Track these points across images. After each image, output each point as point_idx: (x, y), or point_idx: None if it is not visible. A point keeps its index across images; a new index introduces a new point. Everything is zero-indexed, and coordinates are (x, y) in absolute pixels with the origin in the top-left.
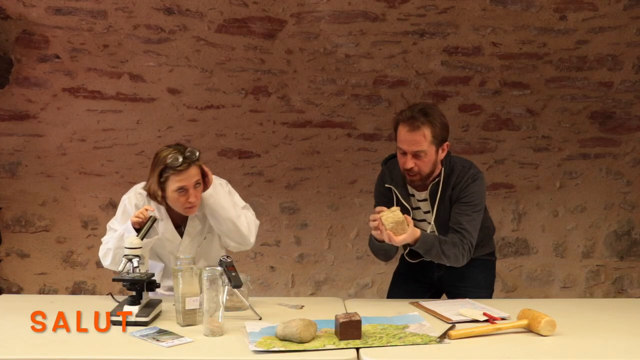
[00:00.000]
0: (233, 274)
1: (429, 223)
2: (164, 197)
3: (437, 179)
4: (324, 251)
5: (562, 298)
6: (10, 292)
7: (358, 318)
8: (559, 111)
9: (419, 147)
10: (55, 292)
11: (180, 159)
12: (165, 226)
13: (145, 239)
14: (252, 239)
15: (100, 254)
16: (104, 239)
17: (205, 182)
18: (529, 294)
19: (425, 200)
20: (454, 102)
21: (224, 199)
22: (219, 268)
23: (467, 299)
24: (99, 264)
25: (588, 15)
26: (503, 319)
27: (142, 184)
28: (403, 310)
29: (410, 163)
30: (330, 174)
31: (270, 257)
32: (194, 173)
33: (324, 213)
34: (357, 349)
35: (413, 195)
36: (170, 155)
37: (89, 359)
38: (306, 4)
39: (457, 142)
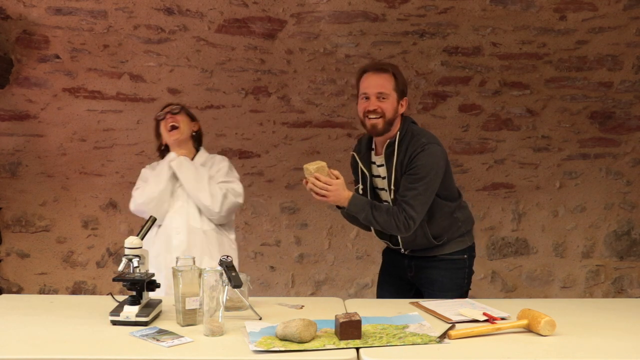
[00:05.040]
0: (233, 274)
1: (386, 190)
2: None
3: (390, 142)
4: (324, 251)
5: (562, 298)
6: (10, 292)
7: (358, 318)
8: (559, 111)
9: (383, 89)
10: (56, 292)
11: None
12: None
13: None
14: (216, 209)
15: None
16: (137, 192)
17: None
18: (528, 294)
19: (382, 165)
20: (454, 102)
21: (186, 171)
22: (219, 268)
23: (467, 299)
24: (99, 263)
25: (588, 15)
26: (503, 319)
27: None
28: (403, 310)
29: (374, 105)
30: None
31: (270, 257)
32: (168, 107)
33: (324, 213)
34: (357, 349)
35: (374, 163)
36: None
37: (89, 359)
38: (306, 4)
39: (457, 142)
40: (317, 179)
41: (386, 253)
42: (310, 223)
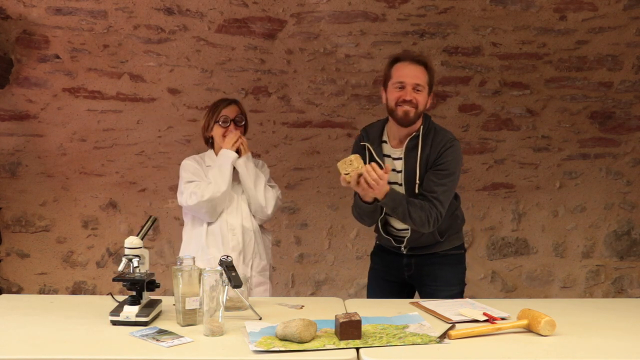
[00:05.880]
0: (233, 274)
1: (400, 185)
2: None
3: (414, 135)
4: (324, 251)
5: (562, 298)
6: (10, 292)
7: (358, 318)
8: (559, 111)
9: (420, 81)
10: (56, 292)
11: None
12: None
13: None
14: (269, 211)
15: (192, 191)
16: (187, 188)
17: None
18: (529, 294)
19: (399, 159)
20: (454, 102)
21: (249, 171)
22: (219, 268)
23: (467, 299)
24: (99, 264)
25: (588, 15)
26: (503, 319)
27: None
28: (403, 310)
29: (410, 94)
30: (330, 174)
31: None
32: (235, 110)
33: (324, 213)
34: (357, 349)
35: (389, 156)
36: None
37: (89, 359)
38: (306, 4)
39: None
40: (373, 168)
41: (377, 255)
42: (310, 223)
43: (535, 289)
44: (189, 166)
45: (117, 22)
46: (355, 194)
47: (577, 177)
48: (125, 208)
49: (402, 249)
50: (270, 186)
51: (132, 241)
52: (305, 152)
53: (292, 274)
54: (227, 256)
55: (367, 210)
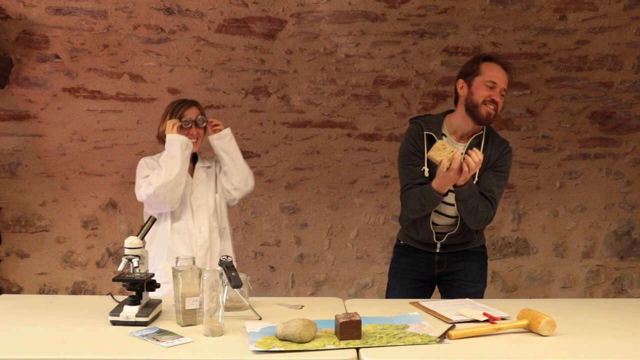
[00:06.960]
0: (233, 274)
1: None
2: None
3: (480, 135)
4: (324, 251)
5: (562, 298)
6: (10, 292)
7: (358, 318)
8: (559, 111)
9: (506, 86)
10: (55, 292)
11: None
12: None
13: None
14: (252, 182)
15: (147, 182)
16: (144, 181)
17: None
18: (529, 294)
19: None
20: None
21: (234, 143)
22: (219, 268)
23: (467, 299)
24: (99, 264)
25: (588, 15)
26: (503, 319)
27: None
28: (403, 310)
29: (497, 96)
30: (330, 174)
31: (270, 257)
32: (196, 111)
33: (324, 213)
34: (357, 349)
35: None
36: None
37: (89, 359)
38: (306, 4)
39: None
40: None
41: (403, 255)
42: (310, 223)
43: (535, 289)
44: (146, 163)
45: (117, 22)
46: (427, 185)
47: (577, 177)
48: (125, 208)
49: (439, 245)
50: None
51: (132, 241)
52: (305, 152)
53: (292, 274)
54: (227, 256)
55: (438, 202)
